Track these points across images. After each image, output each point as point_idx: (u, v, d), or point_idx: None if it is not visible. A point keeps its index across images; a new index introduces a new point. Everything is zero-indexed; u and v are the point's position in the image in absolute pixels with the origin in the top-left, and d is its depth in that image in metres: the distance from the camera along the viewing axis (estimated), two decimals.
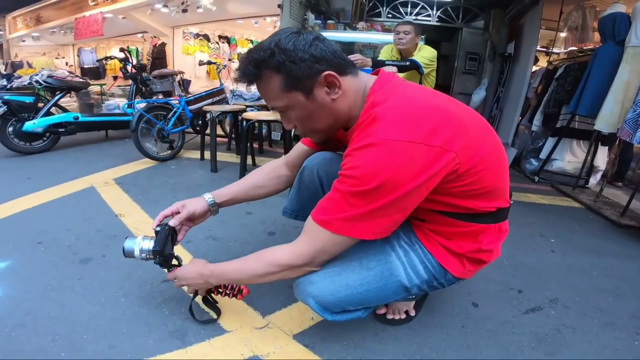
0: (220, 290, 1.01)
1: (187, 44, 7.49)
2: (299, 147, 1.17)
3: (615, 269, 1.52)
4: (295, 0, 4.01)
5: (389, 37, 4.16)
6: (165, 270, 1.02)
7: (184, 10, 5.79)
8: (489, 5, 4.79)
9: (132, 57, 3.81)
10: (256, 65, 0.79)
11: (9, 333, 0.98)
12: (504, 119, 3.85)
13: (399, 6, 5.43)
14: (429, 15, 5.30)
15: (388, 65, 2.05)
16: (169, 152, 2.92)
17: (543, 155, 3.13)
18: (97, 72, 8.11)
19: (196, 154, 3.04)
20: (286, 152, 2.40)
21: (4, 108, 2.78)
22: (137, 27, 6.85)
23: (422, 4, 5.38)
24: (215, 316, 1.06)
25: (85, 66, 8.33)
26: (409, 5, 5.40)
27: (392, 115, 0.73)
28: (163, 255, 0.97)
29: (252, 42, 8.62)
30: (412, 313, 1.12)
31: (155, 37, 7.38)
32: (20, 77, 4.47)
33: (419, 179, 0.71)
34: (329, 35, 4.30)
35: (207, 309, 1.06)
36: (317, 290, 0.86)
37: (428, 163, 0.70)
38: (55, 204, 1.86)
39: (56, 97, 3.12)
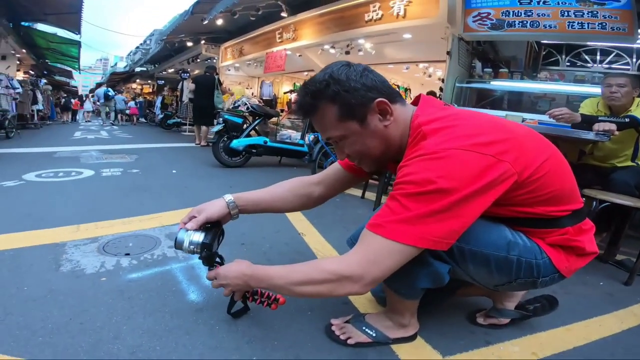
0: (256, 297, 0.99)
1: None
2: (335, 167, 1.15)
3: None
4: (463, 48, 4.04)
5: (583, 88, 3.69)
6: (207, 268, 1.03)
7: (347, 52, 6.22)
8: None
9: None
10: (313, 96, 0.83)
11: (212, 326, 1.10)
12: None
13: (583, 53, 4.82)
14: (626, 64, 4.52)
15: (602, 121, 1.81)
16: None
17: None
18: (270, 104, 9.01)
19: (357, 192, 3.09)
20: None
21: (222, 125, 3.57)
22: (305, 65, 7.55)
23: (616, 51, 4.64)
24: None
25: (264, 98, 9.41)
26: (598, 53, 4.74)
27: (440, 130, 0.76)
28: (210, 249, 0.98)
29: (398, 87, 8.85)
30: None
31: None
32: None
33: (474, 185, 0.70)
34: (501, 84, 4.13)
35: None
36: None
37: (482, 170, 0.71)
38: None
39: (256, 122, 3.83)
